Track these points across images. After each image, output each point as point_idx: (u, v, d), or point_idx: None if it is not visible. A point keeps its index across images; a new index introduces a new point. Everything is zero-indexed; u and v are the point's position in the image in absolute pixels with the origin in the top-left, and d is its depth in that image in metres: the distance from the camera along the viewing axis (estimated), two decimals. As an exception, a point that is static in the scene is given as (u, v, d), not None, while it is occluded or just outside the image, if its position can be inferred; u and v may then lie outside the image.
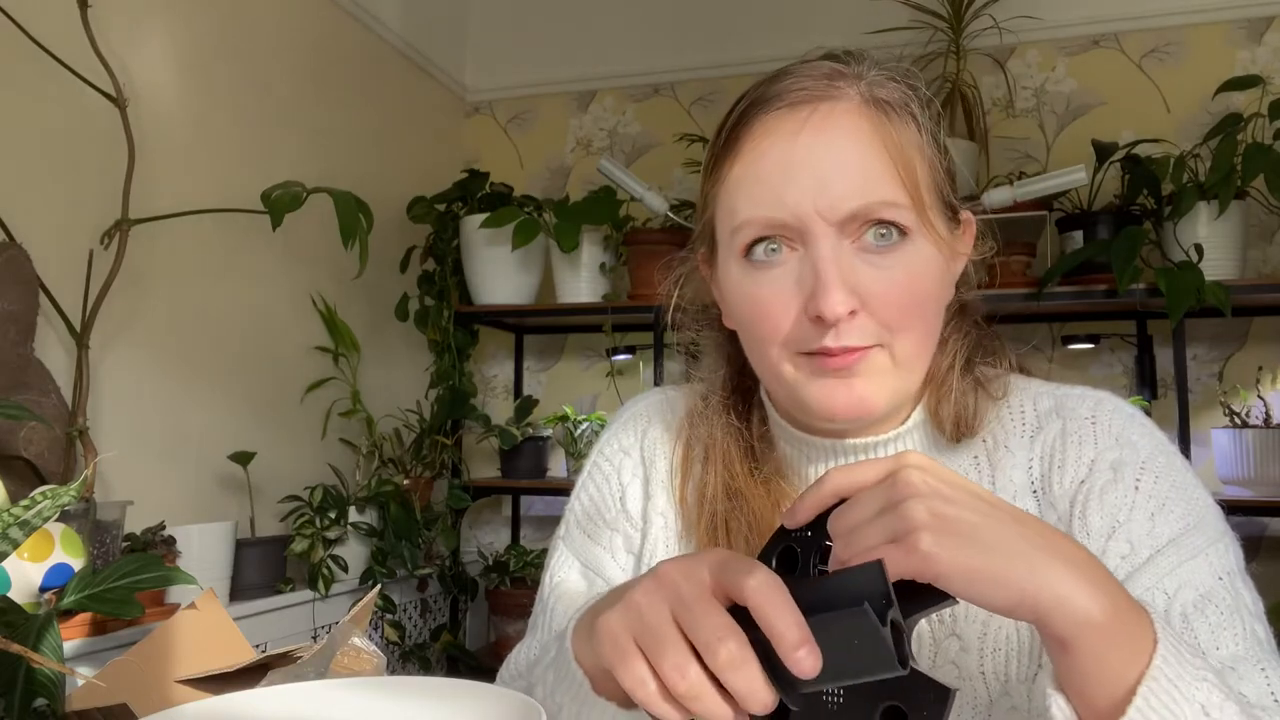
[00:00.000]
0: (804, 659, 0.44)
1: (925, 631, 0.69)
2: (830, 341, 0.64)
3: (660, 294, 0.81)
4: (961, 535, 0.47)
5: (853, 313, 0.63)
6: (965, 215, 0.73)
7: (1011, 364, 0.77)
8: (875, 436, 0.72)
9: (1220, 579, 0.62)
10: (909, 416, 0.72)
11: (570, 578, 0.81)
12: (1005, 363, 0.77)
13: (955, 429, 0.71)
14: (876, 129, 0.65)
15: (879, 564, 0.47)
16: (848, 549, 0.49)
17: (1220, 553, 0.64)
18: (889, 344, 0.65)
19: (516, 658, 0.80)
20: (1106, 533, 0.65)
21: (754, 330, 0.69)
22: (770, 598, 0.46)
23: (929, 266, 0.67)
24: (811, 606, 0.47)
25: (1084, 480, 0.68)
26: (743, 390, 0.78)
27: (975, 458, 0.73)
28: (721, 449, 0.76)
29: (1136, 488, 0.66)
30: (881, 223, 0.65)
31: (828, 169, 0.64)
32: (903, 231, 0.65)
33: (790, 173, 0.65)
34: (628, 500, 0.81)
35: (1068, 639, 0.47)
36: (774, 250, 0.66)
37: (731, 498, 0.74)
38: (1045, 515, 0.69)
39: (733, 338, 0.75)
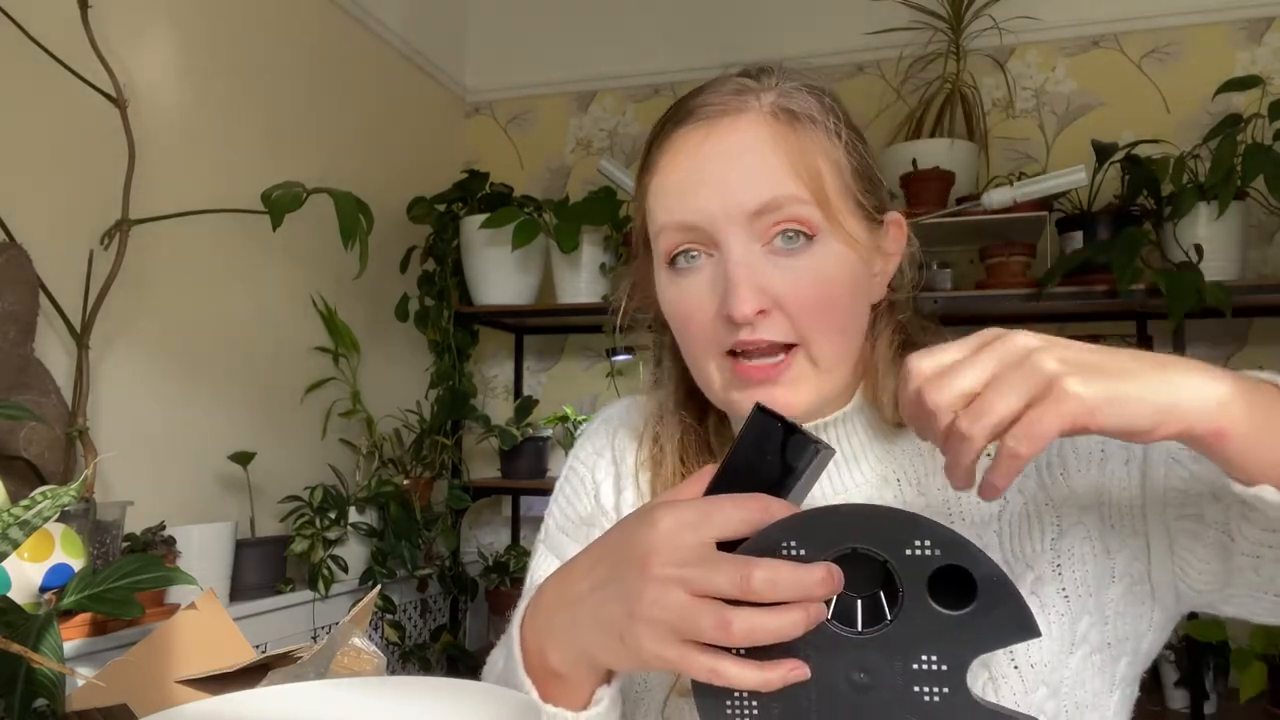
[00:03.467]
0: (835, 581, 0.50)
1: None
2: (745, 335, 0.66)
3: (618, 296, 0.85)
4: (1095, 371, 0.48)
5: (763, 312, 0.66)
6: (892, 216, 0.75)
7: None
8: (819, 420, 0.74)
9: None
10: (848, 400, 0.75)
11: None
12: None
13: (895, 413, 0.73)
14: (777, 135, 0.68)
15: (757, 407, 0.54)
16: (976, 422, 0.49)
17: None
18: (806, 345, 0.67)
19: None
20: (1099, 456, 0.68)
21: (682, 335, 0.72)
22: (779, 584, 0.49)
23: (841, 267, 0.68)
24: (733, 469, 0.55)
25: None
26: (697, 389, 0.81)
27: None
28: (677, 445, 0.79)
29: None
30: (789, 226, 0.67)
31: (730, 173, 0.67)
32: (811, 233, 0.67)
33: (696, 179, 0.68)
34: (602, 495, 0.84)
35: (1221, 427, 0.49)
36: (693, 258, 0.69)
37: None
38: None
39: None
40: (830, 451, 0.54)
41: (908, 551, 0.50)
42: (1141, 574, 0.67)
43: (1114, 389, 0.48)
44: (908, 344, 0.77)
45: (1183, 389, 0.49)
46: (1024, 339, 0.50)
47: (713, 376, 0.70)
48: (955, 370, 0.50)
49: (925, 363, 0.51)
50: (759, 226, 0.67)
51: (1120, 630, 0.69)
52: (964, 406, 0.50)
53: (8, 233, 1.47)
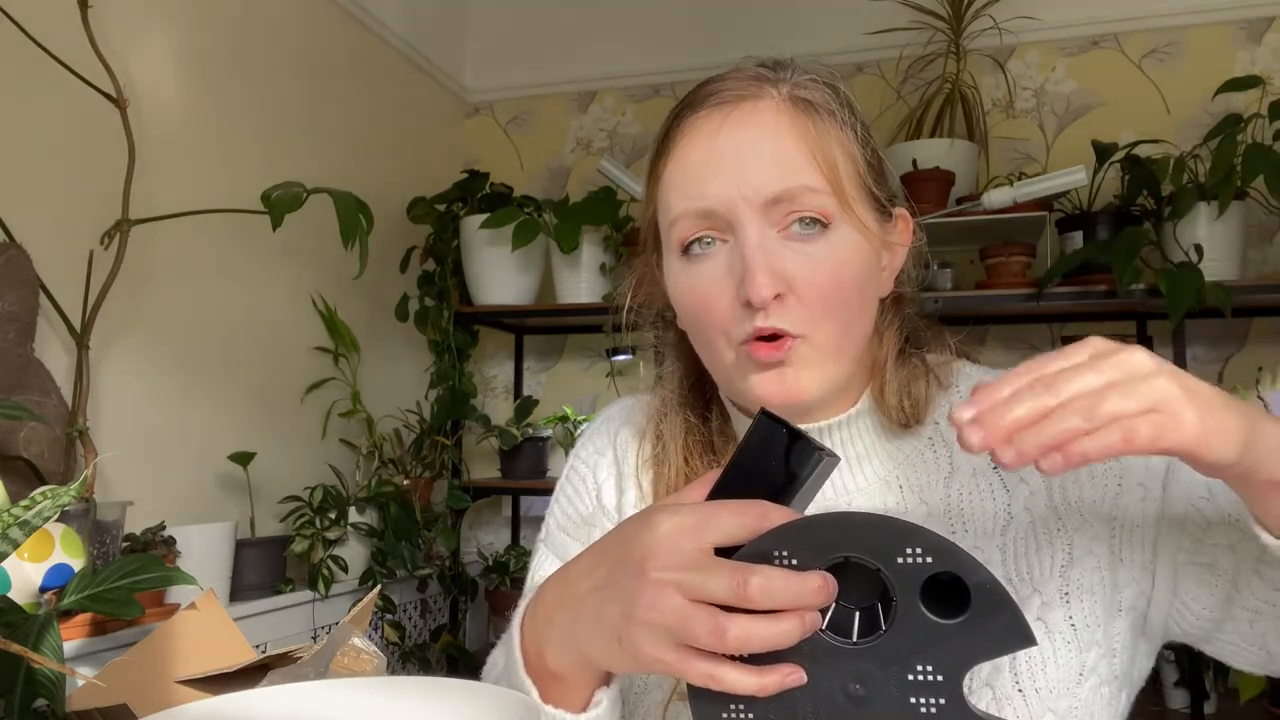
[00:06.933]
0: (829, 590, 0.49)
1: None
2: (760, 321, 0.66)
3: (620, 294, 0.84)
4: (1206, 404, 0.49)
5: (779, 296, 0.66)
6: (900, 211, 0.75)
7: (952, 349, 0.80)
8: (826, 420, 0.74)
9: None
10: (856, 401, 0.74)
11: None
12: (947, 350, 0.79)
13: (901, 414, 0.73)
14: (795, 123, 0.68)
15: (762, 412, 0.53)
16: (1094, 409, 0.47)
17: None
18: (812, 334, 0.67)
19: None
20: (1114, 490, 0.68)
21: (697, 322, 0.71)
22: (775, 591, 0.48)
23: (855, 254, 0.69)
24: (737, 475, 0.54)
25: None
26: (700, 388, 0.81)
27: (930, 439, 0.75)
28: (680, 445, 0.78)
29: None
30: (806, 215, 0.67)
31: (748, 159, 0.67)
32: (827, 221, 0.67)
33: (713, 165, 0.68)
34: (603, 495, 0.83)
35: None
36: (708, 244, 0.69)
37: None
38: (1015, 490, 0.71)
39: (687, 338, 0.77)
40: (835, 459, 0.53)
41: (899, 559, 0.49)
42: (1142, 608, 0.68)
43: (1211, 421, 0.49)
44: (905, 351, 0.76)
45: (1258, 427, 0.50)
46: (1144, 356, 0.50)
47: (727, 362, 0.69)
48: (1078, 370, 0.49)
49: (1045, 361, 0.50)
50: (775, 214, 0.67)
51: (1124, 663, 0.68)
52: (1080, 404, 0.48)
53: (8, 233, 1.47)
